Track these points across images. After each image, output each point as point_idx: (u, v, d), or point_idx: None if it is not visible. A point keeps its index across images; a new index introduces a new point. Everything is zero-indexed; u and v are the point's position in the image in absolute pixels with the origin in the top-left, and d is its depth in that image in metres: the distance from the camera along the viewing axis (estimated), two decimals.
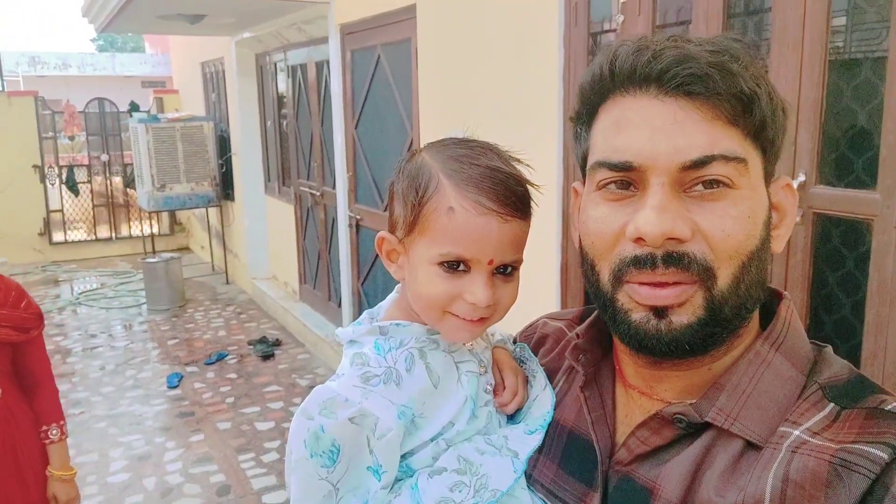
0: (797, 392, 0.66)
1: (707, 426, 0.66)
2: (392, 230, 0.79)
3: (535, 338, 0.92)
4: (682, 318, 0.63)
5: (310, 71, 5.46)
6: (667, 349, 0.64)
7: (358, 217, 4.71)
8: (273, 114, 6.55)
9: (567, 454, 0.76)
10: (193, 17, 5.36)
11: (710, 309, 0.63)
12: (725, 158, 0.62)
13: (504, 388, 0.82)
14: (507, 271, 0.76)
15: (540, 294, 2.79)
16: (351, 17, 4.40)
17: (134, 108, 8.78)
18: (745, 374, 0.66)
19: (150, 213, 7.81)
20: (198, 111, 8.15)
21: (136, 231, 9.11)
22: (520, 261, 0.77)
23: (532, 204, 0.77)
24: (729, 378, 0.67)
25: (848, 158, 1.84)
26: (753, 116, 0.62)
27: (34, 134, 8.48)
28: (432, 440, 0.75)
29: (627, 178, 0.65)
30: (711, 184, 0.62)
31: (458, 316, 0.75)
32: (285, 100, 6.20)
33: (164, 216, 9.35)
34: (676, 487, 0.64)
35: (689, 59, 0.62)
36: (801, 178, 1.83)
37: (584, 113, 0.70)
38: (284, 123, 6.34)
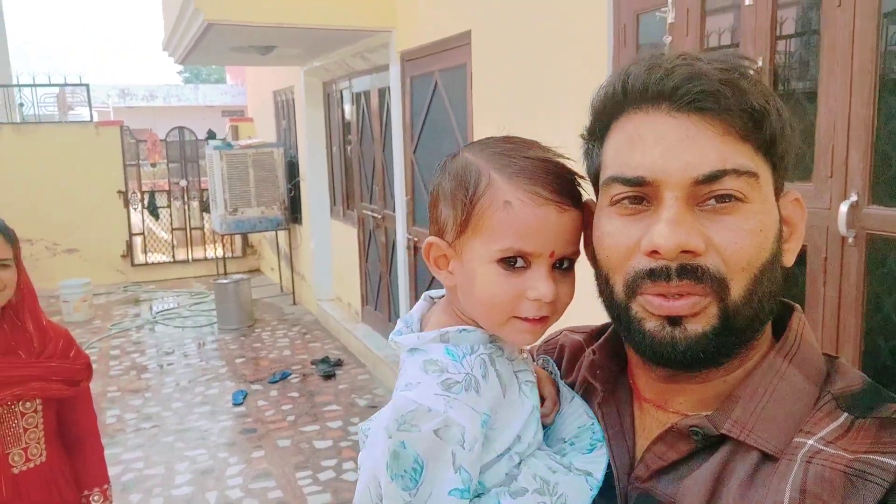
0: (811, 403, 0.66)
1: (723, 439, 0.66)
2: (440, 235, 0.76)
3: (556, 350, 0.91)
4: (696, 327, 0.64)
5: (373, 98, 5.62)
6: (682, 357, 0.65)
7: (416, 239, 4.79)
8: (339, 140, 6.75)
9: None
10: (264, 49, 5.61)
11: (724, 319, 0.64)
12: (737, 173, 0.63)
13: (543, 400, 0.80)
14: (564, 266, 0.74)
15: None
16: (411, 44, 4.51)
17: (211, 136, 9.21)
18: (759, 386, 0.67)
19: (222, 235, 8.13)
20: (270, 138, 8.48)
21: (210, 253, 9.50)
22: (577, 254, 0.75)
23: (583, 194, 0.75)
24: (743, 390, 0.67)
25: None
26: (764, 131, 0.64)
27: (119, 161, 9.00)
28: (502, 455, 0.72)
29: (641, 194, 0.66)
30: (724, 198, 0.63)
31: (520, 318, 0.72)
32: (350, 126, 6.39)
33: (238, 239, 9.71)
34: (696, 502, 0.65)
35: (700, 76, 0.63)
36: (854, 198, 1.76)
37: (597, 129, 0.71)
38: (349, 149, 6.52)
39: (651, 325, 0.65)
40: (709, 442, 0.67)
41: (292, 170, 7.67)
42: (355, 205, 6.33)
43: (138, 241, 9.37)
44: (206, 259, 9.56)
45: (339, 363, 5.78)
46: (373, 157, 5.74)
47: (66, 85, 9.32)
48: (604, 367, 0.77)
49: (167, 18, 5.84)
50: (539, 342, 0.91)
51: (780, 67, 2.09)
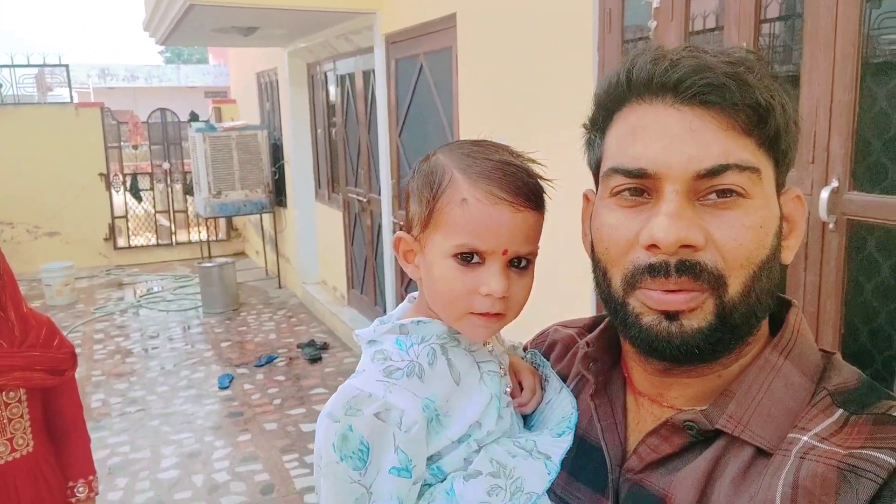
0: (806, 399, 0.66)
1: (717, 434, 0.66)
2: (408, 230, 0.80)
3: (546, 343, 0.92)
4: (693, 322, 0.64)
5: (357, 80, 5.57)
6: (677, 352, 0.65)
7: (401, 223, 4.78)
8: (323, 122, 6.70)
9: (578, 462, 0.76)
10: (247, 30, 5.54)
11: (721, 315, 0.64)
12: (739, 168, 0.62)
13: (522, 389, 0.83)
14: (521, 265, 0.76)
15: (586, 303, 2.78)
16: (395, 26, 4.47)
17: (194, 118, 9.09)
18: (754, 382, 0.67)
19: (206, 219, 8.07)
20: (253, 120, 8.39)
21: (195, 237, 9.43)
22: (534, 254, 0.77)
23: (545, 198, 0.77)
24: (738, 385, 0.67)
25: (883, 164, 1.78)
26: (768, 127, 0.63)
27: (100, 143, 8.89)
28: (460, 441, 0.74)
29: (642, 186, 0.65)
30: (725, 193, 0.63)
31: (475, 313, 0.75)
32: (335, 108, 6.34)
33: (222, 222, 9.65)
34: (689, 495, 0.65)
35: (705, 69, 0.62)
36: (834, 184, 1.78)
37: (599, 119, 0.71)
38: (333, 132, 6.48)
39: (648, 319, 0.65)
40: (703, 437, 0.67)
41: (277, 152, 7.61)
42: (340, 188, 6.30)
43: (121, 224, 9.28)
44: (190, 242, 9.50)
45: (324, 346, 5.79)
46: (358, 140, 5.70)
47: (45, 66, 9.15)
48: (597, 360, 0.78)
49: None
50: (531, 337, 0.94)
51: (763, 51, 2.10)
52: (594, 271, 0.72)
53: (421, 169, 0.79)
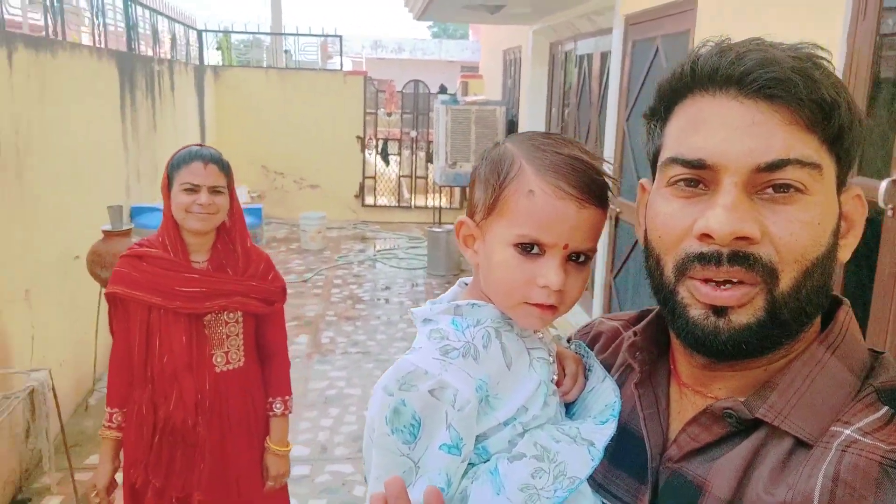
0: (851, 394, 0.65)
1: (757, 424, 0.66)
2: (471, 215, 0.82)
3: (591, 335, 0.93)
4: (741, 318, 0.64)
5: (595, 61, 5.51)
6: (723, 347, 0.65)
7: (618, 210, 4.69)
8: (559, 101, 6.74)
9: (619, 450, 0.77)
10: (493, 7, 5.75)
11: (771, 311, 0.63)
12: (801, 163, 0.62)
13: (564, 377, 0.84)
14: (579, 259, 0.77)
15: None
16: (636, 7, 4.35)
17: (442, 90, 9.65)
18: (798, 375, 0.67)
19: (440, 186, 8.58)
20: (496, 96, 8.70)
21: (431, 202, 10.08)
22: (593, 250, 0.77)
23: (610, 196, 0.78)
24: (782, 378, 0.67)
25: None
26: (832, 124, 0.62)
27: (360, 109, 9.81)
28: (507, 423, 0.75)
29: (699, 177, 0.65)
30: (783, 187, 0.63)
31: (530, 303, 0.76)
32: (571, 89, 6.34)
33: (456, 191, 10.17)
34: (726, 484, 0.65)
35: (772, 63, 0.62)
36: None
37: (661, 110, 0.71)
38: (567, 112, 6.49)
39: (696, 312, 0.66)
40: (743, 426, 0.67)
41: (512, 128, 7.83)
42: None
43: (369, 183, 10.21)
44: (426, 207, 10.17)
45: None
46: (588, 122, 5.67)
47: (322, 35, 10.29)
48: (643, 350, 0.78)
49: None
50: (575, 330, 0.95)
51: None
52: (647, 260, 0.73)
53: (490, 156, 0.80)
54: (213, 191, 1.98)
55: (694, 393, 0.74)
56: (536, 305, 0.76)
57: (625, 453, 0.77)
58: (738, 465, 0.65)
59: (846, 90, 0.64)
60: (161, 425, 2.01)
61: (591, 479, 0.76)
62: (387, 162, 10.18)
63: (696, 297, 0.65)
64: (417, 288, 7.02)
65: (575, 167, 0.75)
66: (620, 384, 0.82)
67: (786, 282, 0.63)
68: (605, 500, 0.76)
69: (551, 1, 5.32)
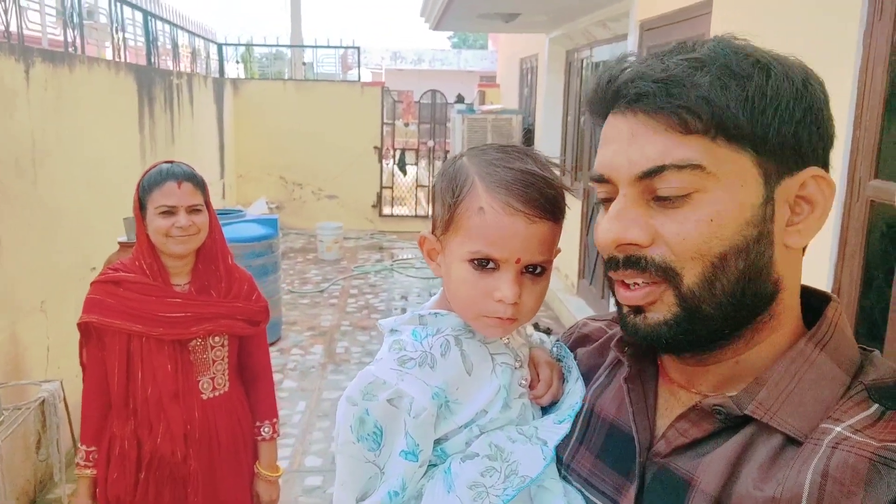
0: (841, 391, 0.66)
1: (746, 421, 0.67)
2: (433, 230, 0.85)
3: (574, 337, 0.94)
4: (656, 315, 0.67)
5: None
6: (645, 342, 0.70)
7: None
8: (574, 109, 6.70)
9: (606, 446, 0.77)
10: (508, 16, 5.75)
11: (685, 307, 0.66)
12: (678, 167, 0.64)
13: (539, 381, 0.84)
14: (536, 271, 0.79)
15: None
16: (651, 12, 4.31)
17: (459, 100, 9.65)
18: (787, 371, 0.67)
19: None
20: (513, 104, 8.68)
21: None
22: (548, 262, 0.79)
23: (564, 208, 0.79)
24: (770, 374, 0.68)
25: None
26: (711, 122, 0.63)
27: (378, 119, 9.85)
28: (466, 426, 0.78)
29: (608, 191, 0.70)
30: (669, 191, 0.65)
31: (487, 316, 0.78)
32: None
33: None
34: (714, 479, 0.65)
35: (639, 78, 0.65)
36: None
37: (596, 129, 0.75)
38: (583, 120, 6.44)
39: (624, 311, 0.71)
40: (732, 422, 0.67)
41: (528, 136, 7.79)
42: (582, 176, 6.27)
43: (386, 194, 10.24)
44: None
45: (547, 331, 5.70)
46: None
47: (339, 47, 10.35)
48: (632, 344, 0.79)
49: None
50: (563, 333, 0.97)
51: None
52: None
53: (446, 172, 0.82)
54: (192, 210, 1.88)
55: (680, 388, 0.75)
56: (494, 318, 0.78)
57: (612, 449, 0.77)
58: (726, 460, 0.65)
59: (760, 75, 0.63)
60: (147, 460, 1.90)
61: (578, 475, 0.78)
62: (404, 172, 10.20)
63: (618, 299, 0.71)
64: (434, 297, 6.97)
65: (526, 182, 0.77)
66: (608, 382, 0.82)
67: (690, 278, 0.65)
68: (588, 495, 0.77)
69: (566, 8, 5.29)
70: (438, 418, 0.77)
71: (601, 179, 0.70)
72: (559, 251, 0.82)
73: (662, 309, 0.67)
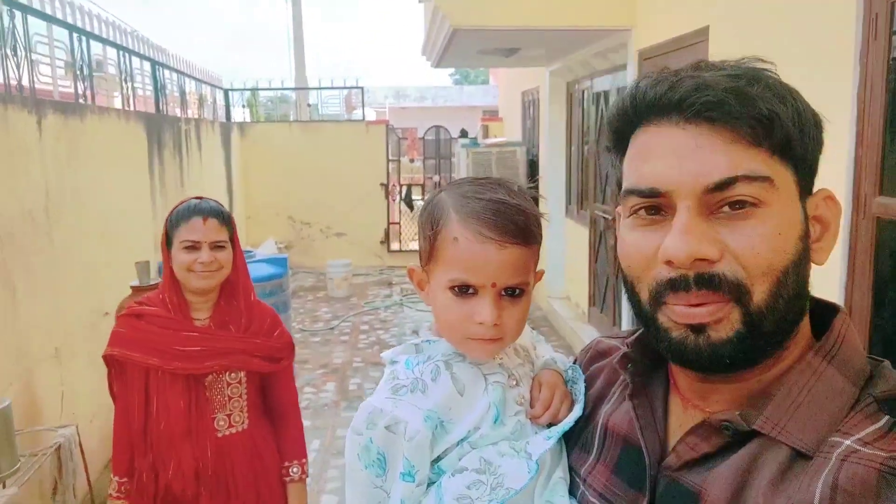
0: (850, 404, 0.65)
1: (755, 435, 0.67)
2: (420, 262, 0.90)
3: (589, 354, 0.97)
4: (720, 333, 0.65)
5: (612, 97, 5.54)
6: (707, 363, 0.66)
7: None
8: (578, 139, 6.76)
9: (620, 461, 0.79)
10: (508, 51, 5.84)
11: (749, 324, 0.65)
12: (749, 178, 0.63)
13: (539, 402, 0.88)
14: (514, 293, 0.84)
15: None
16: (649, 42, 4.38)
17: (463, 134, 9.75)
18: (794, 385, 0.67)
19: None
20: (516, 137, 8.76)
21: None
22: (525, 283, 0.84)
23: (537, 233, 0.85)
24: (778, 388, 0.67)
25: None
26: (776, 135, 0.64)
27: (383, 157, 9.96)
28: (459, 443, 0.82)
29: (656, 204, 0.68)
30: (737, 204, 0.64)
31: (472, 338, 0.83)
32: (589, 126, 6.36)
33: None
34: (723, 492, 0.65)
35: (705, 87, 0.64)
36: None
37: (615, 144, 0.75)
38: (586, 149, 6.50)
39: (677, 334, 0.67)
40: (740, 438, 0.67)
41: (533, 168, 7.85)
42: (588, 205, 6.30)
43: (394, 229, 10.28)
44: None
45: None
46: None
47: (343, 87, 10.52)
48: (635, 361, 0.80)
49: (425, 26, 6.33)
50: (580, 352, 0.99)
51: None
52: (624, 285, 0.74)
53: (427, 206, 0.88)
54: (215, 246, 1.90)
55: (693, 406, 0.75)
56: (479, 340, 0.83)
57: (626, 464, 0.78)
58: (735, 473, 0.65)
59: (794, 99, 0.65)
60: (162, 495, 1.90)
61: (594, 490, 0.80)
62: (411, 207, 10.26)
63: (673, 319, 0.67)
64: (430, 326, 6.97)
65: (496, 210, 0.82)
66: (621, 399, 0.83)
67: (759, 295, 0.64)
68: None
69: (565, 42, 5.38)
70: (435, 438, 0.81)
71: (653, 193, 0.67)
72: (542, 273, 0.87)
73: (727, 327, 0.65)
